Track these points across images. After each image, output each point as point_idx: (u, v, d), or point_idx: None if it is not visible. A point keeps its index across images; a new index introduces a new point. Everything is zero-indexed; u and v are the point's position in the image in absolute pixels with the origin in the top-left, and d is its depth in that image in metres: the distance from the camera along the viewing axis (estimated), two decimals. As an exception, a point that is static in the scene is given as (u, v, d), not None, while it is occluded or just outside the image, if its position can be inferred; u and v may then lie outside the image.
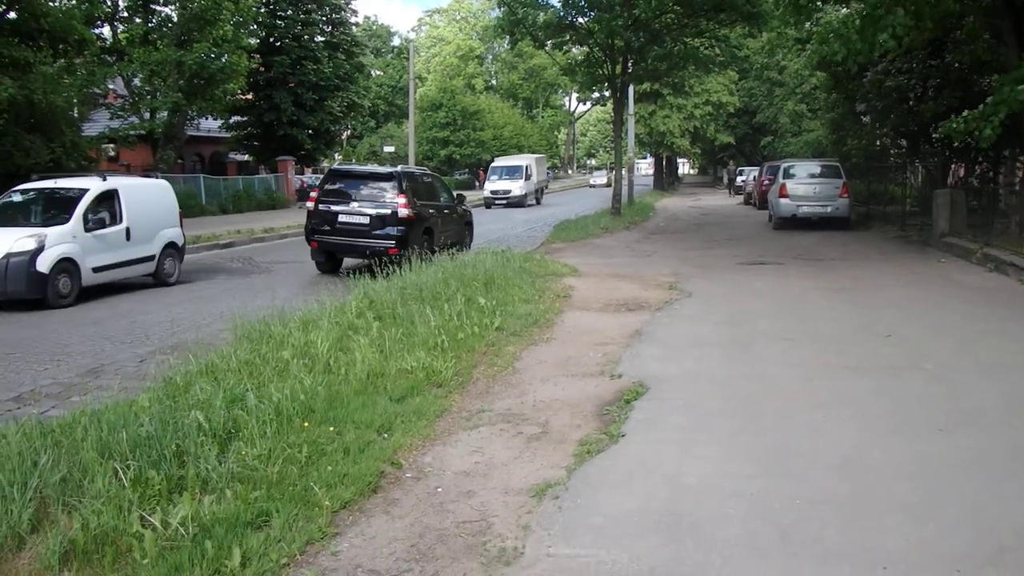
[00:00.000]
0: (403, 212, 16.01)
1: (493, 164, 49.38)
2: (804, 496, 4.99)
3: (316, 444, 5.60)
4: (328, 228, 16.35)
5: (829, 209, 23.96)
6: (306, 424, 5.87)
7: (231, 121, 44.69)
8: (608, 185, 56.44)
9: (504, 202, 44.65)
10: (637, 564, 4.20)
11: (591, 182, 74.91)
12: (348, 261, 17.69)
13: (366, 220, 16.14)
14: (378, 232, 16.04)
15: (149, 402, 6.08)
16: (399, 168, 17.81)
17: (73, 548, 4.18)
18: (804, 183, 24.54)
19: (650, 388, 7.33)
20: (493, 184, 46.10)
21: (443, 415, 6.68)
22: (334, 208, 16.40)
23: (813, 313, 10.99)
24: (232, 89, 36.50)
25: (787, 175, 25.18)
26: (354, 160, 68.16)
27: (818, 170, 25.17)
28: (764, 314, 10.94)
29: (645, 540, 4.47)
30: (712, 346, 9.09)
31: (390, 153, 66.70)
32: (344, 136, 56.22)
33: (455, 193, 20.78)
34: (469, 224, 20.83)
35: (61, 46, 25.94)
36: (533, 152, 60.21)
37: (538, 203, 47.65)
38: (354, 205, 16.32)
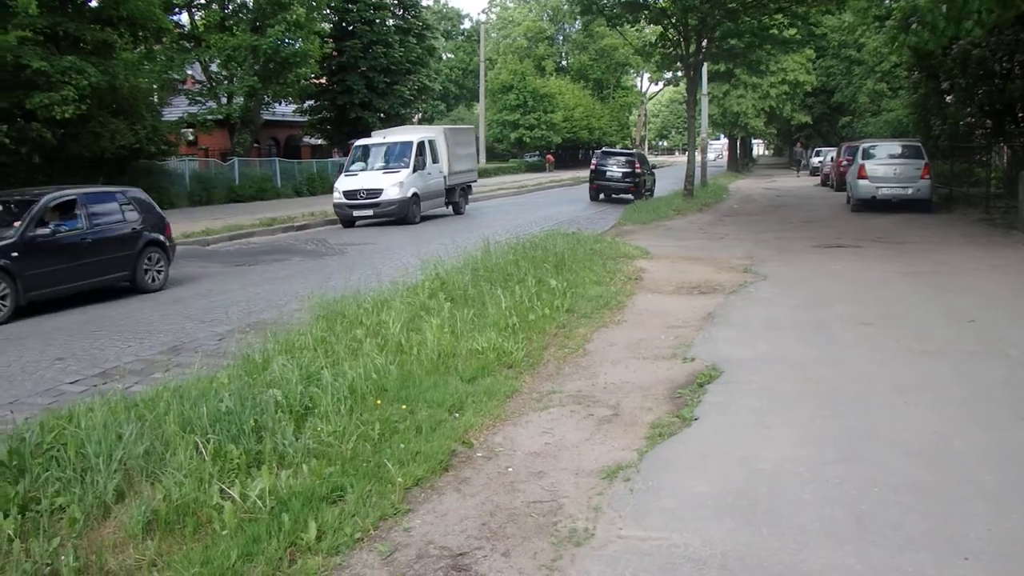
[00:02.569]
0: (637, 170, 32.11)
1: (356, 143, 26.83)
2: (882, 482, 4.88)
3: (389, 422, 5.68)
4: (601, 178, 32.61)
5: (910, 191, 23.31)
6: (379, 402, 5.95)
7: (305, 105, 45.34)
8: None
9: (366, 216, 23.69)
10: (710, 548, 4.16)
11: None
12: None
13: (619, 174, 32.30)
14: (625, 182, 32.10)
15: (228, 379, 6.23)
16: (635, 150, 40.04)
17: (156, 518, 4.31)
18: (884, 164, 23.89)
19: (724, 371, 7.24)
20: (347, 181, 24.16)
21: (513, 396, 6.70)
22: (603, 169, 32.67)
23: (892, 297, 10.73)
24: (305, 73, 37.00)
25: (866, 156, 24.52)
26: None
27: (898, 150, 24.47)
28: (841, 297, 10.72)
29: (718, 524, 4.43)
30: (788, 329, 8.95)
31: (461, 136, 67.00)
32: (415, 119, 56.45)
33: (650, 163, 37.54)
34: (654, 180, 35.62)
35: (141, 33, 26.59)
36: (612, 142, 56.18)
37: (456, 212, 27.76)
38: (613, 167, 32.51)
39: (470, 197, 30.39)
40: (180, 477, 4.62)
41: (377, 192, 23.49)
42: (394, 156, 25.02)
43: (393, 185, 23.60)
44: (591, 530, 4.39)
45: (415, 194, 24.17)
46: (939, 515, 4.45)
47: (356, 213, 23.67)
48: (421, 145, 25.14)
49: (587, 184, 33.65)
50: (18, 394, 7.57)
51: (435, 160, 25.91)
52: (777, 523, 4.42)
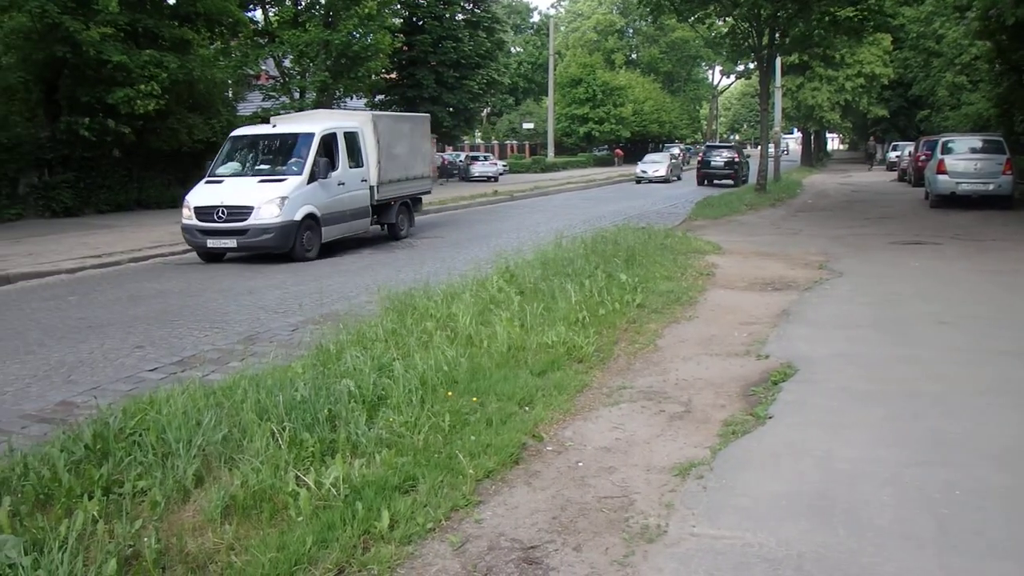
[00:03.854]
0: (736, 160, 38.85)
1: (235, 133, 18.52)
2: (963, 486, 4.74)
3: (459, 414, 5.69)
4: (707, 167, 40.53)
5: (991, 187, 22.62)
6: (449, 394, 5.97)
7: (376, 100, 45.80)
8: (666, 180, 45.59)
9: (225, 248, 15.98)
10: (785, 548, 4.09)
11: (639, 171, 47.17)
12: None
13: (722, 163, 40.27)
14: (726, 170, 39.89)
15: (303, 368, 6.32)
16: (733, 143, 50.35)
17: (233, 503, 4.39)
18: (964, 159, 23.22)
19: (799, 369, 7.11)
20: (203, 193, 16.35)
21: (584, 390, 6.67)
22: (708, 159, 41.06)
23: (972, 296, 10.43)
24: (376, 68, 37.35)
25: (945, 150, 23.85)
26: (493, 138, 68.71)
27: (979, 145, 23.76)
28: (919, 295, 10.46)
29: (794, 524, 4.35)
30: (864, 327, 8.76)
31: (529, 130, 66.98)
32: (484, 113, 56.71)
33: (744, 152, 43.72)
34: (749, 168, 40.41)
35: (217, 29, 27.19)
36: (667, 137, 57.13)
37: (393, 236, 19.78)
38: (716, 158, 40.52)
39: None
40: (257, 464, 4.70)
41: (244, 211, 15.36)
42: (283, 156, 17.07)
43: (270, 201, 15.35)
44: (663, 527, 4.35)
45: (310, 215, 15.98)
46: (1023, 522, 4.31)
47: (211, 243, 15.63)
48: (328, 140, 17.00)
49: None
50: (100, 380, 7.80)
51: (356, 162, 17.82)
52: (854, 525, 4.33)
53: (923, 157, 30.65)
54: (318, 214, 16.27)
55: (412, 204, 20.74)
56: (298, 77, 35.12)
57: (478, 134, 66.53)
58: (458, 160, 49.81)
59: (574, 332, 7.85)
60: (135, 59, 22.41)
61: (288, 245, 15.60)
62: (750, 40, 28.63)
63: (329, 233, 16.79)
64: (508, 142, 70.23)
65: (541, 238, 14.02)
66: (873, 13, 26.45)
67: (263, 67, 37.22)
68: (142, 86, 21.98)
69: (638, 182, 45.71)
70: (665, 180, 45.57)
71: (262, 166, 17.06)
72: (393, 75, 45.06)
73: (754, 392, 6.59)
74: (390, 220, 19.54)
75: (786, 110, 52.86)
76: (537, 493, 4.79)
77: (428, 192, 22.07)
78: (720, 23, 32.26)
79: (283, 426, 5.12)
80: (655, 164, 47.63)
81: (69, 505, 4.36)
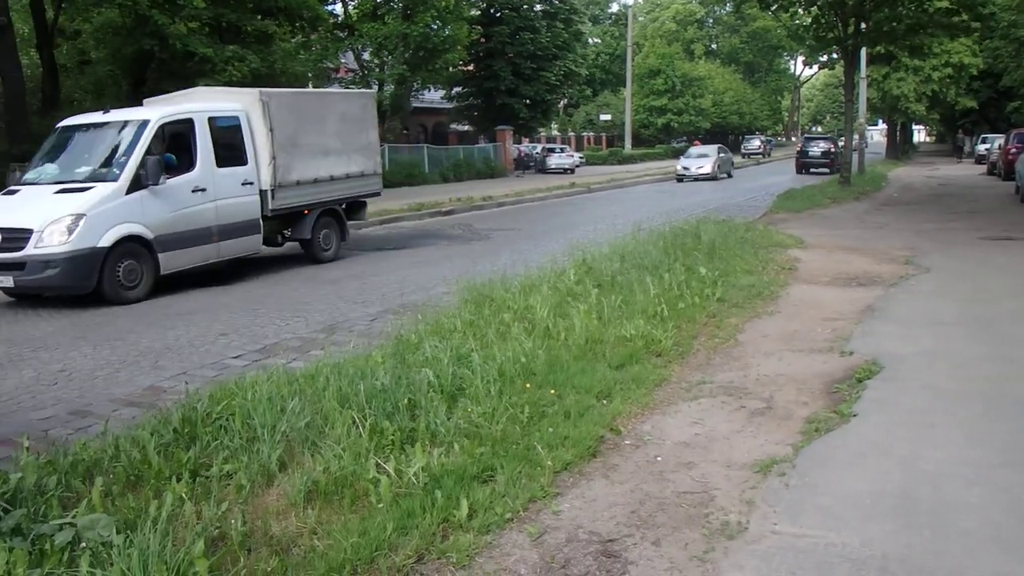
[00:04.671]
0: (832, 150, 41.58)
1: (61, 124, 13.38)
2: (1059, 491, 4.57)
3: (537, 406, 5.70)
4: (805, 157, 43.52)
5: (1085, 181, 21.74)
6: (527, 386, 5.98)
7: (452, 92, 46.09)
8: (713, 178, 39.90)
9: None
10: (869, 549, 4.00)
11: (679, 168, 41.28)
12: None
13: (819, 152, 43.59)
14: (823, 159, 42.20)
15: (382, 358, 6.40)
16: (830, 134, 49.13)
17: (316, 488, 4.47)
18: (1058, 152, 22.36)
19: (884, 367, 6.93)
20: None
21: (662, 384, 6.62)
22: (807, 149, 44.21)
23: (1067, 293, 10.04)
24: (453, 60, 37.60)
25: (1038, 143, 23.02)
26: (570, 130, 68.52)
27: (1074, 138, 22.85)
28: (1010, 292, 10.10)
29: (878, 524, 4.25)
30: (952, 325, 8.50)
31: (606, 121, 66.60)
32: (560, 105, 56.57)
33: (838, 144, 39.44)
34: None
35: (298, 23, 27.68)
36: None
37: (315, 259, 14.93)
38: (814, 148, 44.03)
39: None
40: (338, 450, 4.77)
41: (21, 236, 10.87)
42: (104, 155, 12.21)
43: (57, 222, 10.87)
44: (744, 524, 4.29)
45: (132, 238, 11.43)
46: None
47: None
48: (178, 131, 12.54)
49: (739, 169, 38.03)
50: (187, 366, 8.02)
51: (235, 159, 13.24)
52: (941, 526, 4.21)
53: (1014, 150, 29.63)
54: (149, 236, 11.61)
55: (346, 213, 15.92)
56: (377, 70, 35.59)
57: (555, 126, 66.42)
58: (534, 152, 49.82)
59: (653, 326, 7.79)
60: (219, 53, 22.98)
61: (88, 283, 10.95)
62: (834, 31, 27.94)
63: (173, 261, 12.06)
64: (585, 134, 69.99)
65: (618, 231, 13.91)
66: (966, 7, 25.56)
67: (342, 60, 37.81)
68: (225, 78, 22.51)
69: (679, 180, 39.63)
70: (711, 178, 39.96)
71: (77, 169, 12.06)
72: (470, 67, 45.29)
73: (838, 389, 6.45)
74: (303, 235, 14.62)
75: (871, 101, 51.48)
76: (615, 486, 4.77)
77: (375, 195, 16.89)
78: (803, 12, 31.57)
79: (364, 414, 5.19)
80: (699, 160, 41.56)
81: (158, 487, 4.49)
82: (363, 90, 18.57)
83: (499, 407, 5.51)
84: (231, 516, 4.13)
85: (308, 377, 6.00)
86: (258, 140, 13.55)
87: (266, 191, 13.59)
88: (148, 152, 11.72)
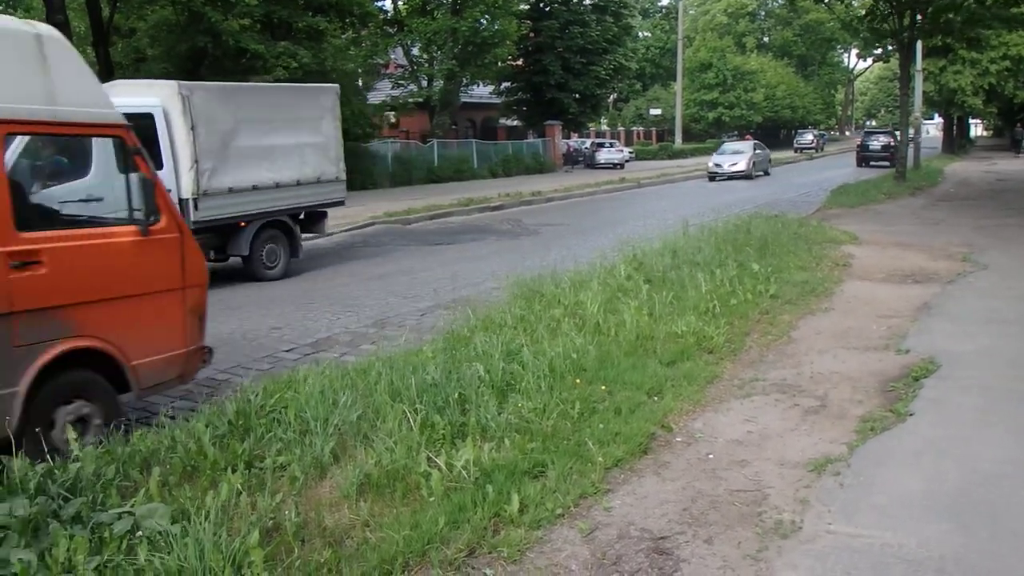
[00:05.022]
0: (892, 144, 37.72)
1: None
2: (1123, 493, 4.45)
3: (588, 401, 5.69)
4: (865, 150, 44.57)
5: None
6: (578, 381, 5.96)
7: (501, 87, 46.06)
8: (747, 177, 36.03)
9: None
10: (926, 550, 3.93)
11: (711, 166, 37.40)
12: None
13: (879, 146, 43.68)
14: (883, 152, 42.24)
15: (433, 352, 6.43)
16: (889, 128, 47.66)
17: (368, 481, 4.50)
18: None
19: (941, 365, 6.80)
20: None
21: (714, 382, 6.56)
22: (867, 143, 45.26)
23: None
24: (502, 55, 37.61)
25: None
26: (619, 124, 68.21)
27: None
28: (1074, 291, 9.85)
29: (935, 525, 4.17)
30: (1011, 323, 8.31)
31: (656, 116, 66.10)
32: (610, 99, 56.26)
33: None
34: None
35: (348, 19, 27.86)
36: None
37: (259, 276, 12.75)
38: (874, 142, 44.80)
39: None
40: (390, 443, 4.80)
41: None
42: None
43: None
44: (798, 523, 4.24)
45: None
46: None
47: None
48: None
49: (791, 164, 38.46)
50: (240, 359, 8.15)
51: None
52: (998, 528, 4.13)
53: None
54: None
55: (298, 224, 13.68)
56: (426, 65, 35.72)
57: (604, 121, 66.10)
58: (583, 147, 49.62)
59: (704, 322, 7.73)
60: (271, 50, 23.24)
61: None
62: (890, 22, 27.40)
63: None
64: (634, 128, 69.55)
65: (668, 226, 13.83)
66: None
67: (391, 56, 38.00)
68: (277, 74, 22.77)
69: (711, 179, 36.21)
70: (746, 176, 36.07)
71: None
72: (519, 62, 45.20)
73: (893, 388, 6.35)
74: (239, 251, 12.56)
75: (927, 94, 50.34)
76: (667, 484, 4.74)
77: (339, 203, 14.57)
78: (857, 3, 31.00)
79: (415, 408, 5.22)
80: (733, 156, 37.47)
81: (214, 477, 4.56)
82: (322, 84, 15.46)
83: (550, 402, 5.51)
84: (285, 507, 4.18)
85: (360, 371, 6.05)
86: (177, 141, 11.36)
87: (187, 200, 11.31)
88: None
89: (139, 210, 5.69)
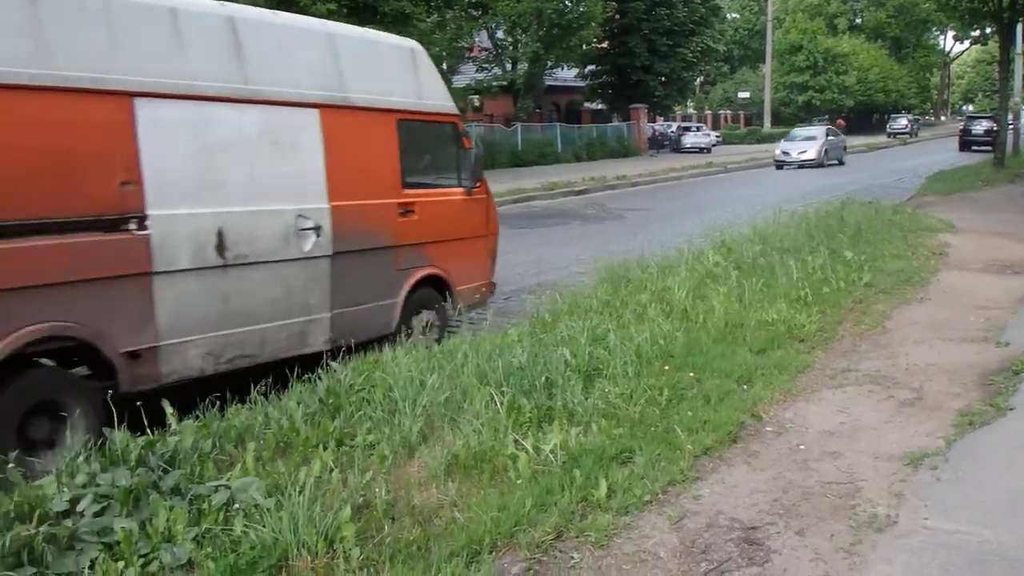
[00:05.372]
0: (994, 128, 33.94)
1: None
2: None
3: (676, 388, 5.64)
4: (968, 135, 43.67)
5: None
6: (666, 368, 5.91)
7: (586, 70, 45.74)
8: (819, 165, 33.90)
9: None
10: (1028, 548, 3.80)
11: (778, 153, 35.33)
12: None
13: (981, 131, 42.08)
14: (985, 137, 40.24)
15: (519, 336, 6.44)
16: (991, 113, 44.17)
17: (455, 462, 4.54)
18: None
19: (1044, 359, 6.54)
20: None
21: (805, 371, 6.43)
22: (969, 128, 44.35)
23: None
24: (587, 37, 37.32)
25: None
26: (706, 108, 67.24)
27: None
28: None
29: (1037, 523, 4.03)
30: (1121, 317, 7.95)
31: (744, 99, 64.98)
32: (696, 82, 55.43)
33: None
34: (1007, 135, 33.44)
35: (433, 2, 27.97)
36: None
37: None
38: (976, 127, 44.38)
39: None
40: (477, 425, 4.83)
41: None
42: None
43: None
44: (893, 517, 4.13)
45: None
46: None
47: None
48: None
49: (884, 150, 37.32)
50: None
51: None
52: (1106, 527, 3.96)
53: None
54: None
55: None
56: (510, 48, 35.69)
57: (690, 104, 65.22)
58: (669, 131, 49.07)
59: (795, 310, 7.59)
60: (359, 34, 23.52)
61: None
62: (989, 3, 26.32)
63: None
64: (721, 112, 68.52)
65: (757, 212, 13.59)
66: None
67: (476, 39, 38.07)
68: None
69: (778, 167, 33.93)
70: (817, 165, 33.74)
71: None
72: (604, 44, 44.80)
73: (993, 381, 6.14)
74: None
75: (1031, 77, 48.38)
76: (757, 473, 4.67)
77: None
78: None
79: (501, 391, 5.23)
80: (803, 143, 35.07)
81: (306, 454, 4.65)
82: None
83: (637, 388, 5.48)
84: (375, 485, 4.24)
85: (446, 353, 6.09)
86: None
87: None
88: None
89: (465, 177, 7.94)
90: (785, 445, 5.08)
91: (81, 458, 4.39)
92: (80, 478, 4.20)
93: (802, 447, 5.05)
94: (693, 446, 4.80)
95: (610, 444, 4.69)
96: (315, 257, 6.39)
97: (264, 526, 3.72)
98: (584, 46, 38.45)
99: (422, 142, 7.68)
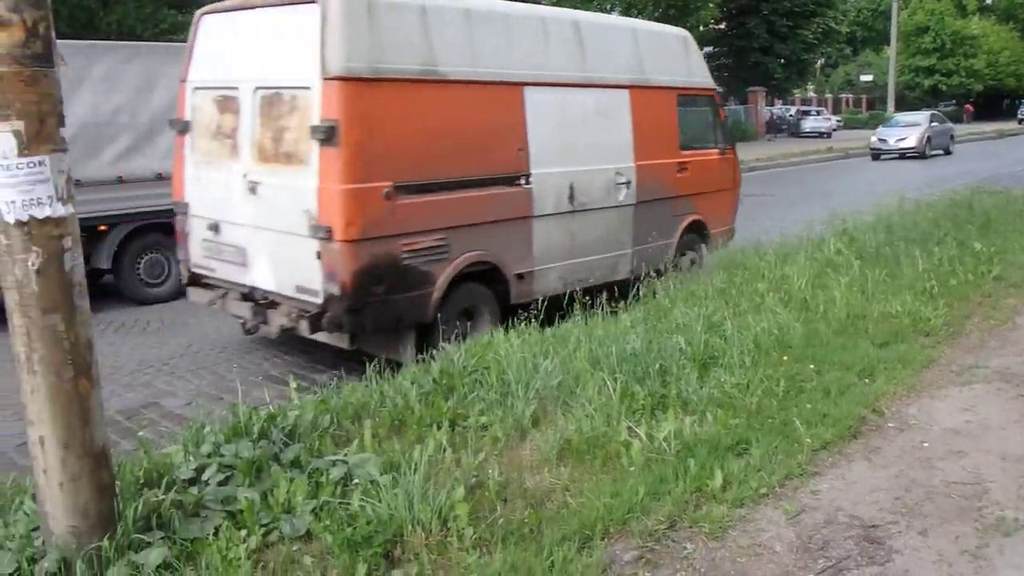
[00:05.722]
0: None
1: None
2: None
3: (794, 380, 5.50)
4: None
5: None
6: (785, 359, 5.78)
7: (703, 51, 44.87)
8: (921, 155, 31.36)
9: None
10: None
11: (874, 140, 33.33)
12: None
13: None
14: None
15: (631, 322, 6.40)
16: None
17: (568, 447, 4.55)
18: None
19: None
20: None
21: (930, 366, 6.18)
22: None
23: None
24: (705, 18, 36.56)
25: None
26: (827, 91, 65.20)
27: None
28: None
29: None
30: None
31: (867, 82, 62.76)
32: (817, 65, 53.71)
33: None
34: None
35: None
36: None
37: None
38: None
39: None
40: (590, 410, 4.83)
41: None
42: None
43: None
44: (1022, 520, 3.95)
45: None
46: None
47: None
48: None
49: (1016, 136, 32.33)
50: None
51: None
52: None
53: None
54: None
55: None
56: (627, 29, 35.28)
57: (810, 87, 63.34)
58: (787, 115, 47.77)
59: (921, 303, 7.30)
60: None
61: None
62: None
63: None
64: (843, 95, 66.35)
65: (880, 199, 13.09)
66: None
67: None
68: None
69: (874, 157, 31.57)
70: (919, 155, 31.09)
71: None
72: (722, 25, 43.86)
73: None
74: (98, 264, 9.77)
75: None
76: (878, 470, 4.53)
77: None
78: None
79: (615, 377, 5.21)
80: (904, 130, 32.39)
81: (420, 433, 4.74)
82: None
83: (753, 379, 5.37)
84: (487, 466, 4.28)
85: (559, 338, 6.11)
86: None
87: None
88: None
89: (720, 140, 9.85)
90: (908, 442, 4.91)
91: (207, 429, 4.59)
92: (205, 448, 4.40)
93: (926, 445, 4.87)
94: (812, 440, 4.69)
95: (725, 434, 4.62)
96: (625, 205, 8.38)
97: (380, 501, 3.79)
98: (701, 27, 37.65)
99: (692, 112, 9.41)
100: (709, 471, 4.20)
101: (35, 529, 3.60)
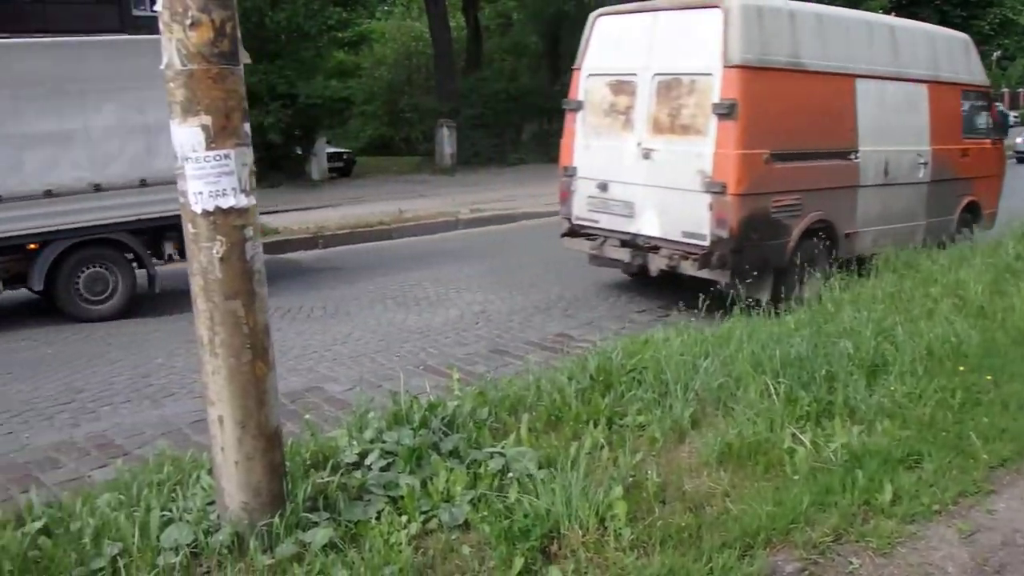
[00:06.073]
0: None
1: None
2: None
3: (970, 391, 5.21)
4: None
5: None
6: (961, 368, 5.47)
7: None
8: None
9: None
10: None
11: (1019, 141, 28.74)
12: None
13: None
14: None
15: (796, 324, 6.21)
16: None
17: (728, 451, 4.45)
18: None
19: None
20: None
21: None
22: None
23: None
24: (874, 8, 35.02)
25: None
26: (1003, 85, 61.37)
27: None
28: None
29: None
30: None
31: (1049, 75, 58.70)
32: (993, 57, 50.47)
33: None
34: None
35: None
36: None
37: None
38: None
39: None
40: (751, 415, 4.71)
41: None
42: None
43: None
44: None
45: None
46: None
47: None
48: None
49: None
50: (594, 316, 8.51)
51: None
52: None
53: None
54: None
55: (156, 241, 9.64)
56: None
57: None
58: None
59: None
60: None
61: None
62: None
63: None
64: (1021, 90, 62.22)
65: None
66: None
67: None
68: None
69: (1020, 160, 27.15)
70: None
71: None
72: (892, 14, 41.93)
73: None
74: (31, 284, 8.95)
75: None
76: (1065, 493, 4.23)
77: None
78: None
79: (778, 381, 5.06)
80: None
81: (576, 429, 4.74)
82: (141, 36, 10.08)
83: (927, 388, 5.11)
84: (645, 467, 4.24)
85: (719, 338, 5.99)
86: None
87: None
88: None
89: (992, 131, 11.26)
90: (1101, 466, 4.56)
91: (371, 415, 4.73)
92: (368, 433, 4.53)
93: (1124, 471, 4.51)
94: (989, 456, 4.43)
95: (896, 446, 4.42)
96: (922, 183, 9.79)
97: (537, 496, 3.80)
98: (869, 18, 36.17)
99: (971, 105, 10.70)
100: (878, 484, 4.02)
101: (210, 503, 3.79)
